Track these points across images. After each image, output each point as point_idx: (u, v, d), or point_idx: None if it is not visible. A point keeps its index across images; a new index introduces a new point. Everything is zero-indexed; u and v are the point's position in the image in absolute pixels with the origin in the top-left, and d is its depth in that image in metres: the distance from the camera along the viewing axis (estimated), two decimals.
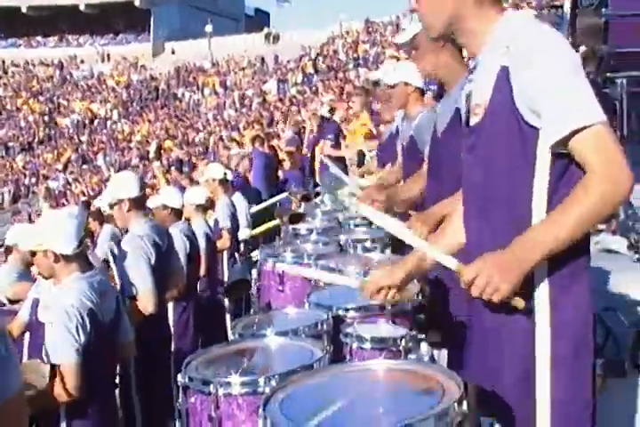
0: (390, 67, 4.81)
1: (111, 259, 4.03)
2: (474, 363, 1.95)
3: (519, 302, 1.73)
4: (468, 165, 1.94)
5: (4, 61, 42.22)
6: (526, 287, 1.75)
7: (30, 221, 20.14)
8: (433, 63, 3.00)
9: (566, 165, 1.74)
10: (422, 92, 3.94)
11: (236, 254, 6.16)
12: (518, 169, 1.77)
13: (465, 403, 1.48)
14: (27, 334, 3.71)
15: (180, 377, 2.03)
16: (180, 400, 2.03)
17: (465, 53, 2.96)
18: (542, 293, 1.78)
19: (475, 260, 1.77)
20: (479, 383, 1.87)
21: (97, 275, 3.22)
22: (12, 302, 4.82)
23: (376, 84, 6.59)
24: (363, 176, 5.92)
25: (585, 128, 1.65)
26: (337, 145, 8.49)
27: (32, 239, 3.71)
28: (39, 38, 45.41)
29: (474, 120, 1.87)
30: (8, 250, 5.45)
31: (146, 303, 3.85)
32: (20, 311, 4.12)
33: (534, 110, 1.71)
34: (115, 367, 3.49)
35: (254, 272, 3.55)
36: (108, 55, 42.11)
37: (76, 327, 2.94)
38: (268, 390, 1.82)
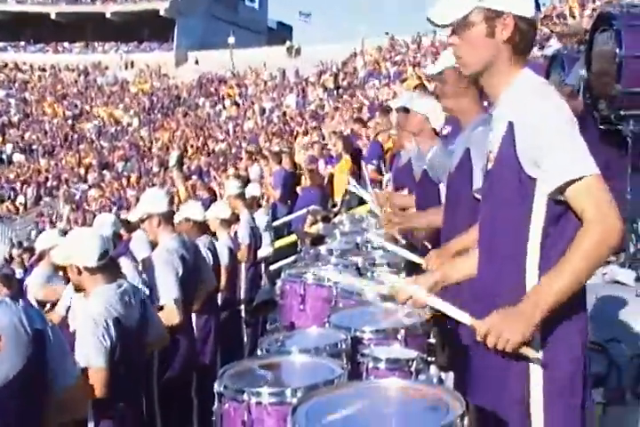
0: (416, 94, 4.87)
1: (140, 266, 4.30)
2: (477, 386, 2.15)
3: (530, 352, 1.92)
4: (481, 208, 2.17)
5: (31, 66, 43.03)
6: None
7: (52, 223, 20.59)
8: (455, 103, 3.18)
9: (560, 213, 1.95)
10: (436, 133, 4.15)
11: (264, 275, 6.39)
12: (517, 214, 1.98)
13: (467, 419, 1.72)
14: None
15: (216, 385, 2.27)
16: (215, 406, 2.29)
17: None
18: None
19: (482, 297, 2.02)
20: (481, 404, 2.09)
21: (123, 284, 3.43)
22: (40, 304, 5.10)
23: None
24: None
25: (580, 179, 1.86)
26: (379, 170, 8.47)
27: (59, 255, 4.00)
28: (66, 44, 46.19)
29: (488, 166, 2.11)
30: (41, 255, 5.76)
31: (171, 316, 4.01)
32: (58, 306, 4.41)
33: (534, 162, 1.92)
34: (142, 369, 3.64)
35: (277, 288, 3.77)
36: (132, 62, 42.74)
37: (103, 335, 3.15)
38: (294, 400, 2.06)
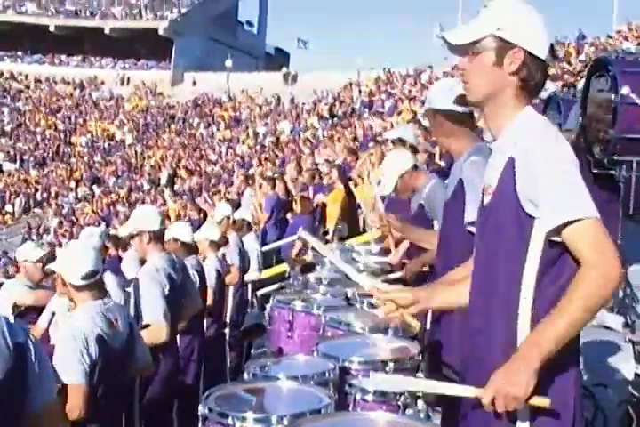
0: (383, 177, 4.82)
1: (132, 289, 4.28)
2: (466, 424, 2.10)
3: (542, 403, 1.83)
4: (476, 242, 2.14)
5: (27, 76, 43.07)
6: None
7: (39, 235, 20.44)
8: (449, 138, 3.21)
9: (557, 254, 1.93)
10: (416, 167, 4.16)
11: (252, 299, 6.35)
12: (513, 251, 1.96)
13: None
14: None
15: (200, 408, 2.27)
16: None
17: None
18: None
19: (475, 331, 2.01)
20: None
21: (109, 302, 3.42)
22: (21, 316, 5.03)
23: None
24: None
25: (579, 220, 1.83)
26: None
27: (56, 263, 3.99)
28: (63, 57, 46.33)
29: (486, 200, 2.09)
30: (17, 266, 5.71)
31: (156, 334, 3.97)
32: (40, 320, 4.37)
33: (532, 201, 1.92)
34: (125, 391, 3.59)
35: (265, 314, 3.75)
36: (128, 79, 42.88)
37: (82, 351, 3.11)
38: None
